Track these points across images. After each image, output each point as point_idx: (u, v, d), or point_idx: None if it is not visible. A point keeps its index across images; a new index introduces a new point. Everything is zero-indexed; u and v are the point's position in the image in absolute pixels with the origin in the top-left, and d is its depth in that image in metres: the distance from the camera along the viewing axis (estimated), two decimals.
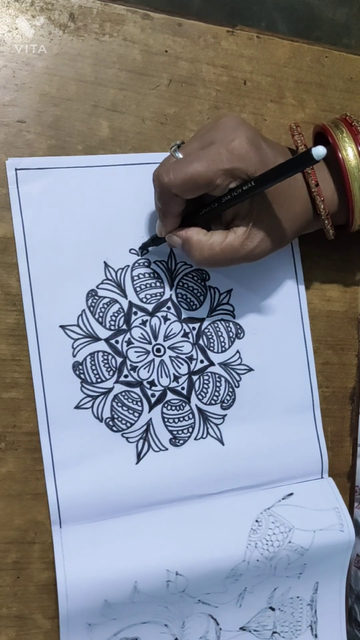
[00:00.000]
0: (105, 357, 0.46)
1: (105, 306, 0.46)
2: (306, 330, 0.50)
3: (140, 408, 0.46)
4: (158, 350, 0.47)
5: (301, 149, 0.44)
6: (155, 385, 0.46)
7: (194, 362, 0.47)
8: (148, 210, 0.47)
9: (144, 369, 0.46)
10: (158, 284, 0.47)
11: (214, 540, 0.44)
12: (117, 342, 0.46)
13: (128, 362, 0.46)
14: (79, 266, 0.45)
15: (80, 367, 0.45)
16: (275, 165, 0.39)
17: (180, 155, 0.41)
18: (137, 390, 0.46)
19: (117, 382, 0.46)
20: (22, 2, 0.45)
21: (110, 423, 0.46)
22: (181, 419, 0.47)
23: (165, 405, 0.47)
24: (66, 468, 0.44)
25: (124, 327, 0.46)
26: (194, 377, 0.47)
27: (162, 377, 0.47)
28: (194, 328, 0.48)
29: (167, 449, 0.47)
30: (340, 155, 0.43)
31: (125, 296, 0.46)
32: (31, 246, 0.44)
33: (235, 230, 0.42)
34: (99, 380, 0.45)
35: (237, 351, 0.48)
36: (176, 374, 0.47)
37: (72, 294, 0.45)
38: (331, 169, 0.44)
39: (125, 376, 0.46)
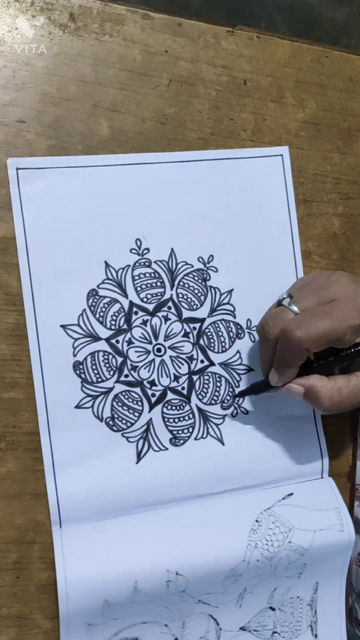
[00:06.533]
0: (106, 356, 0.46)
1: (106, 306, 0.46)
2: None
3: (140, 408, 0.46)
4: (158, 350, 0.47)
5: None
6: (156, 385, 0.46)
7: (194, 362, 0.47)
8: (148, 211, 0.47)
9: (145, 368, 0.46)
10: (159, 283, 0.47)
11: (214, 540, 0.44)
12: (117, 341, 0.46)
13: (128, 362, 0.46)
14: (79, 266, 0.45)
15: (81, 366, 0.45)
16: None
17: (296, 308, 0.43)
18: (138, 390, 0.46)
19: (117, 381, 0.46)
20: (22, 2, 0.45)
21: (111, 423, 0.46)
22: (181, 419, 0.47)
23: (166, 405, 0.47)
24: (66, 468, 0.44)
25: (125, 326, 0.46)
26: (194, 377, 0.47)
27: (162, 376, 0.47)
28: (194, 328, 0.48)
29: (167, 449, 0.47)
30: None
31: (126, 296, 0.46)
32: (32, 246, 0.44)
33: (357, 373, 0.43)
34: (99, 379, 0.45)
35: (238, 351, 0.48)
36: (176, 373, 0.47)
37: (73, 293, 0.45)
38: None
39: (126, 376, 0.46)
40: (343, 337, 0.41)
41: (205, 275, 0.48)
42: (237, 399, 0.48)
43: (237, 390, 0.48)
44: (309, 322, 0.41)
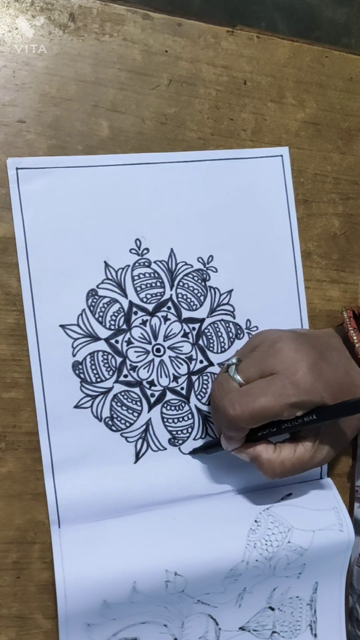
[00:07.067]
0: (105, 356, 0.46)
1: (106, 306, 0.46)
2: None
3: (139, 408, 0.46)
4: (158, 350, 0.47)
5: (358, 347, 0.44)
6: (155, 385, 0.47)
7: (193, 362, 0.47)
8: (148, 211, 0.47)
9: (144, 368, 0.46)
10: (158, 283, 0.47)
11: (213, 541, 0.44)
12: (117, 341, 0.46)
13: (128, 362, 0.46)
14: (79, 266, 0.45)
15: (80, 366, 0.45)
16: (339, 403, 0.41)
17: (239, 378, 0.42)
18: (137, 390, 0.46)
19: (116, 381, 0.46)
20: (22, 2, 0.45)
21: (110, 422, 0.46)
22: (180, 419, 0.47)
23: (165, 405, 0.47)
24: (65, 468, 0.44)
25: (124, 326, 0.46)
26: (194, 378, 0.47)
27: (161, 377, 0.47)
28: (193, 328, 0.48)
29: (166, 449, 0.47)
30: None
31: (126, 296, 0.46)
32: (32, 246, 0.44)
33: (304, 444, 0.43)
34: (98, 379, 0.45)
35: None
36: (175, 374, 0.47)
37: (73, 293, 0.45)
38: None
39: (125, 376, 0.46)
40: (280, 414, 0.40)
41: (204, 275, 0.48)
42: (192, 455, 0.47)
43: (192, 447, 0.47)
44: (243, 402, 0.40)
